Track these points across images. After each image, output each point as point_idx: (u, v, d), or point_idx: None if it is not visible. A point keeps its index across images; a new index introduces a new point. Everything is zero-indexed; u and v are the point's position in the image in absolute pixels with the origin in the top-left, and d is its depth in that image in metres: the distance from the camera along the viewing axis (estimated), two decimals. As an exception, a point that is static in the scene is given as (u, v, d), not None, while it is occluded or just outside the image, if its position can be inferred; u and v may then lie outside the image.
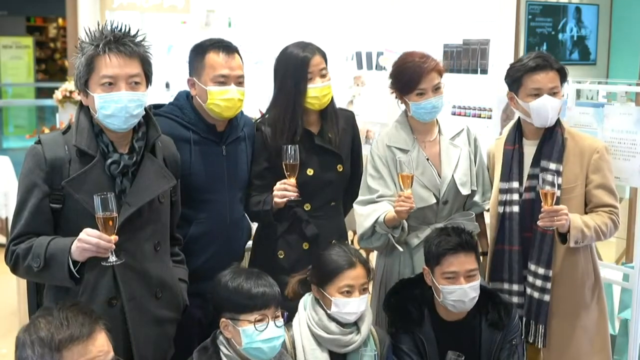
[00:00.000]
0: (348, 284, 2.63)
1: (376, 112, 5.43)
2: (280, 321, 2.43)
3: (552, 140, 3.00)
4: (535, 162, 3.02)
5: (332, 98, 3.15)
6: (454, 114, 4.76)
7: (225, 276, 2.47)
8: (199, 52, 2.87)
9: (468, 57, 4.94)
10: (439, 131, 3.17)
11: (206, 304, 2.70)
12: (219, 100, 2.82)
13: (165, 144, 2.58)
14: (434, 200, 3.06)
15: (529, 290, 3.02)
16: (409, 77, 3.02)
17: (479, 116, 4.74)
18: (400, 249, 3.07)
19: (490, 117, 4.63)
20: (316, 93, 3.04)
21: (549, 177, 2.75)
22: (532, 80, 2.94)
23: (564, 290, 3.01)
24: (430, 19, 5.12)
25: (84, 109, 2.41)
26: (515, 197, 3.03)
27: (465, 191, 3.11)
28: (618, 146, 3.37)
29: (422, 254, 2.93)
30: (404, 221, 3.02)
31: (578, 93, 4.17)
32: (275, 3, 5.73)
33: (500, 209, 3.06)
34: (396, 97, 3.15)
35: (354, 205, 3.15)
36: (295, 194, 2.91)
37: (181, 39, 5.47)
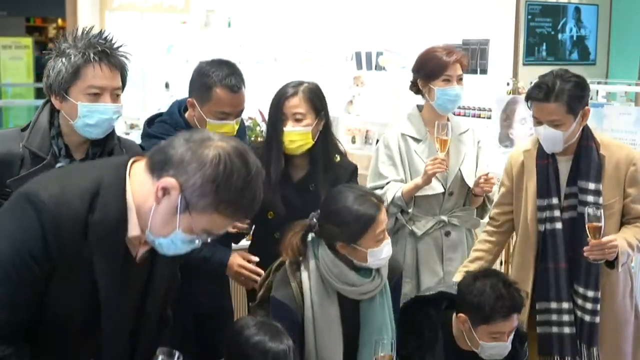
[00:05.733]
0: (381, 229, 2.50)
1: (376, 112, 5.43)
2: None
3: (587, 158, 2.89)
4: (572, 181, 2.93)
5: (328, 145, 2.99)
6: (453, 114, 4.75)
7: (249, 328, 2.34)
8: (206, 82, 2.79)
9: (467, 57, 4.94)
10: (448, 127, 3.20)
11: (199, 295, 2.86)
12: (216, 132, 2.80)
13: (128, 147, 2.52)
14: (442, 190, 3.18)
15: (579, 313, 2.93)
16: (436, 63, 3.17)
17: (479, 116, 4.74)
18: (409, 228, 3.19)
19: (489, 117, 4.63)
20: (286, 137, 2.90)
21: (594, 212, 2.70)
22: (533, 107, 2.88)
23: (609, 307, 2.96)
24: (429, 19, 5.12)
25: (48, 111, 2.38)
26: (557, 213, 2.92)
27: (470, 183, 3.21)
28: (618, 146, 3.36)
29: (425, 242, 3.12)
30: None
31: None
32: (275, 3, 5.73)
33: (541, 227, 2.95)
34: (417, 91, 3.26)
35: None
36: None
37: (181, 39, 5.47)
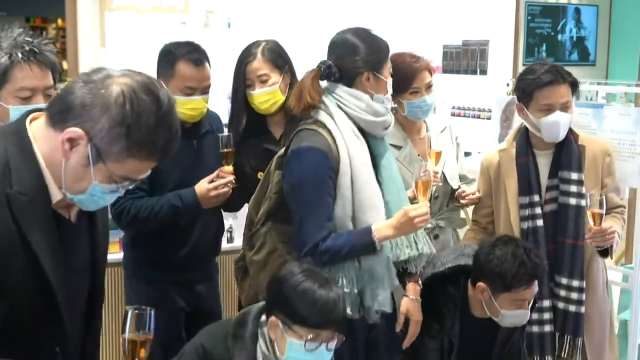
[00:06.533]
0: None
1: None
2: (333, 344, 2.17)
3: (568, 149, 2.93)
4: (553, 173, 2.95)
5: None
6: (453, 114, 4.75)
7: (296, 274, 2.18)
8: (169, 59, 2.86)
9: (467, 58, 4.94)
10: (427, 128, 3.20)
11: (189, 293, 2.94)
12: (184, 109, 2.83)
13: None
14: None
15: (561, 305, 2.94)
16: (402, 76, 2.99)
17: (479, 117, 4.73)
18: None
19: (489, 118, 4.62)
20: (256, 99, 2.92)
21: (598, 197, 2.69)
22: (543, 95, 2.85)
23: (593, 299, 2.97)
24: (429, 20, 5.12)
25: None
26: (538, 210, 2.94)
27: (454, 184, 3.17)
28: (617, 147, 3.37)
29: None
30: None
31: (577, 94, 4.17)
32: (275, 4, 5.72)
33: (524, 225, 2.95)
34: None
35: None
36: (231, 178, 2.87)
37: (180, 39, 5.47)
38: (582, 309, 2.92)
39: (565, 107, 2.86)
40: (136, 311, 1.66)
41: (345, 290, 2.38)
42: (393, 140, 3.08)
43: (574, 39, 5.31)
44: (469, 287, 2.69)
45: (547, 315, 2.94)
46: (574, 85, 2.92)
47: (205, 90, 2.90)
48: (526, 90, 2.89)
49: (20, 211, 1.52)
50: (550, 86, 2.84)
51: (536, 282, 2.60)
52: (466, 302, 2.71)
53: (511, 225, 2.98)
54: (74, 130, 1.50)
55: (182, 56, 2.85)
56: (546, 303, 2.94)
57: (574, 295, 2.92)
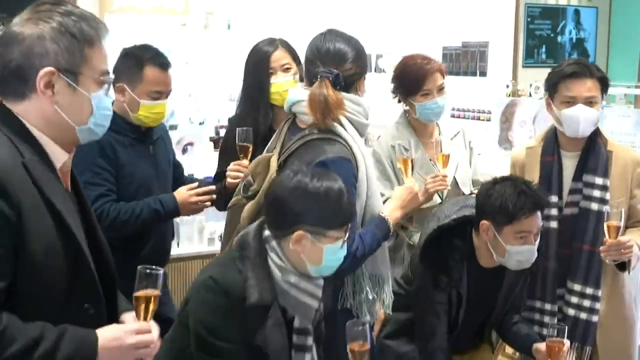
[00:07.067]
0: None
1: (375, 114, 5.41)
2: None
3: (595, 152, 2.84)
4: (578, 176, 2.85)
5: None
6: (453, 116, 4.76)
7: (302, 181, 2.08)
8: (136, 63, 2.85)
9: (467, 60, 4.95)
10: (439, 132, 3.18)
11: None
12: (149, 113, 2.86)
13: None
14: (439, 200, 3.05)
15: (572, 312, 2.84)
16: (413, 78, 3.02)
17: (478, 119, 4.74)
18: (407, 240, 3.06)
19: (489, 120, 4.63)
20: (277, 88, 2.94)
21: (615, 210, 2.62)
22: (567, 87, 2.79)
23: (613, 309, 2.87)
24: (429, 21, 5.13)
25: None
26: (554, 212, 2.84)
27: (466, 190, 3.13)
28: (617, 148, 3.36)
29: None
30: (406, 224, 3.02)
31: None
32: (275, 6, 5.73)
33: None
34: (399, 101, 3.15)
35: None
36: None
37: (180, 41, 5.46)
38: (594, 318, 2.83)
39: (590, 103, 2.78)
40: (147, 270, 1.74)
41: (369, 297, 2.44)
42: (405, 143, 3.07)
43: (574, 40, 5.31)
44: (474, 237, 2.65)
45: (547, 319, 2.87)
46: (603, 82, 2.82)
47: (168, 95, 2.94)
48: (551, 81, 2.85)
49: (38, 175, 1.57)
50: (573, 78, 2.78)
51: (539, 214, 2.54)
52: (473, 253, 2.65)
53: None
54: (42, 72, 1.57)
55: (149, 60, 2.85)
56: (548, 307, 2.88)
57: (587, 303, 2.83)
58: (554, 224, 2.85)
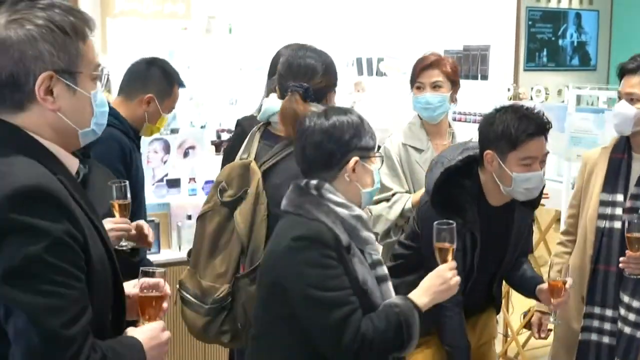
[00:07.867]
0: None
1: (376, 118, 5.43)
2: None
3: None
4: None
5: None
6: (454, 119, 4.76)
7: (331, 119, 2.16)
8: (170, 81, 3.07)
9: (468, 63, 4.95)
10: (453, 135, 3.19)
11: None
12: (160, 125, 3.11)
13: None
14: None
15: (619, 325, 2.72)
16: (413, 70, 3.15)
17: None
18: None
19: (490, 123, 4.63)
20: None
21: (637, 221, 2.53)
22: (622, 80, 2.74)
23: None
24: (430, 25, 5.13)
25: None
26: (619, 211, 2.73)
27: None
28: (618, 152, 3.35)
29: None
30: None
31: (578, 99, 4.17)
32: (276, 9, 5.74)
33: (601, 223, 2.77)
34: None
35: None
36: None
37: (182, 45, 5.47)
38: (638, 334, 2.68)
39: (630, 99, 2.70)
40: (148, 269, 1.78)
41: None
42: (416, 143, 3.12)
43: (575, 44, 5.32)
44: (480, 174, 2.59)
45: (607, 326, 2.76)
46: None
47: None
48: (621, 70, 2.77)
49: (72, 187, 1.52)
50: (625, 75, 2.74)
51: (543, 139, 2.48)
52: (481, 192, 2.60)
53: (587, 224, 2.82)
54: (40, 78, 1.47)
55: (177, 79, 3.11)
56: (608, 312, 2.77)
57: (631, 317, 2.69)
58: (617, 224, 2.74)
